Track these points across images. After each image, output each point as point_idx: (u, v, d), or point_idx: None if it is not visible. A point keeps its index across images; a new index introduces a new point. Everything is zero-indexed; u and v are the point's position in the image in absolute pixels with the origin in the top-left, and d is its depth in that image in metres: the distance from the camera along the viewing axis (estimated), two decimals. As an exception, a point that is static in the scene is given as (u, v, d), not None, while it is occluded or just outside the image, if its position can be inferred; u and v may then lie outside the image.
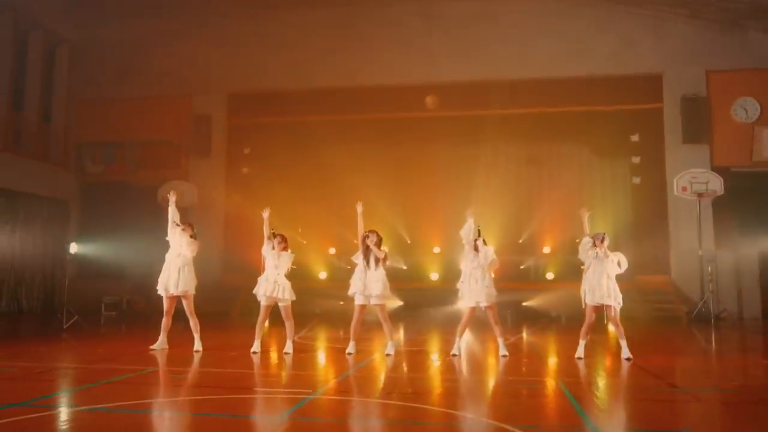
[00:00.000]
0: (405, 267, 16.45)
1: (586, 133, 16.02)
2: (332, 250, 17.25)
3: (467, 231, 8.12)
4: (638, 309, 13.72)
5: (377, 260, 8.18)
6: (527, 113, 16.11)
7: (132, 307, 16.23)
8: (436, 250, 16.72)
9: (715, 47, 15.19)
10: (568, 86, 15.68)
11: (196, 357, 8.08)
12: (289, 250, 8.60)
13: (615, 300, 7.74)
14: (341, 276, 16.44)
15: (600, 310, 7.95)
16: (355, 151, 17.03)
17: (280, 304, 8.43)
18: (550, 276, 15.68)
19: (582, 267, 8.13)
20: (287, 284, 8.44)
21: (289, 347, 8.41)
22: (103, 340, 10.61)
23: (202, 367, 7.33)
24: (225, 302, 15.89)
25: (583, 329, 7.99)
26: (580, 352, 7.92)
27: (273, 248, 8.45)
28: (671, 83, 15.47)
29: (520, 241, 16.55)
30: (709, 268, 14.01)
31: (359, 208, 8.50)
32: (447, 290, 15.60)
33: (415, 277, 16.47)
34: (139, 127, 17.19)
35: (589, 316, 7.91)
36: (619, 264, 7.84)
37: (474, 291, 8.05)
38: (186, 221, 8.89)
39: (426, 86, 16.27)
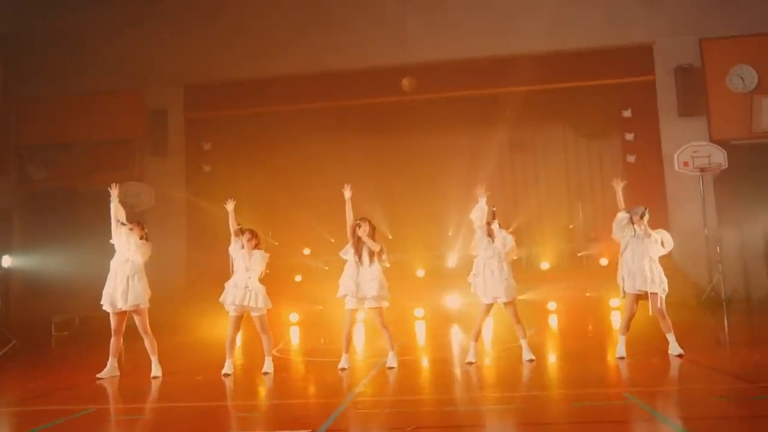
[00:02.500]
0: (388, 265, 15.17)
1: (574, 111, 15.02)
2: (307, 251, 15.90)
3: (479, 213, 6.88)
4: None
5: (372, 254, 6.88)
6: (511, 92, 14.90)
7: (87, 326, 14.61)
8: (421, 248, 15.48)
9: (708, 14, 14.23)
10: (554, 62, 14.54)
11: (154, 385, 6.67)
12: (263, 249, 7.24)
13: (660, 286, 6.59)
14: (318, 278, 15.17)
15: (642, 298, 6.78)
16: (327, 141, 15.77)
17: (253, 314, 7.07)
18: (545, 266, 14.55)
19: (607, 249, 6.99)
20: (261, 290, 7.07)
21: (268, 365, 7.06)
22: (42, 368, 8.92)
23: (161, 401, 5.92)
24: (189, 315, 14.37)
25: (623, 323, 6.83)
26: (620, 350, 6.73)
27: (242, 247, 7.09)
28: (663, 54, 14.46)
29: (510, 230, 15.40)
30: (717, 248, 13.03)
31: (347, 193, 7.15)
32: (434, 287, 14.58)
33: (398, 275, 15.17)
34: (86, 126, 15.57)
35: (630, 307, 6.76)
36: (662, 243, 6.70)
37: (490, 285, 6.83)
38: (134, 220, 7.46)
39: (402, 68, 14.97)
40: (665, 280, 6.77)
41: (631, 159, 14.67)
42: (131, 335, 7.36)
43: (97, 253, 13.57)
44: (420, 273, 14.96)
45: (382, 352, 7.20)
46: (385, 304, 7.11)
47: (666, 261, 14.18)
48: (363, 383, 6.29)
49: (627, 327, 6.82)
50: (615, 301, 12.90)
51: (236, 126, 15.69)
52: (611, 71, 14.52)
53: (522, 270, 14.97)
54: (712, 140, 13.83)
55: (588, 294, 13.49)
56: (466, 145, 15.50)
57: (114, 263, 7.14)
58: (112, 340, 7.17)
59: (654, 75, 14.52)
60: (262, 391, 6.32)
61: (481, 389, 5.77)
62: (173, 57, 15.57)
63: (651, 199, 14.23)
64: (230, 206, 7.26)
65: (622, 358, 6.67)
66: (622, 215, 6.89)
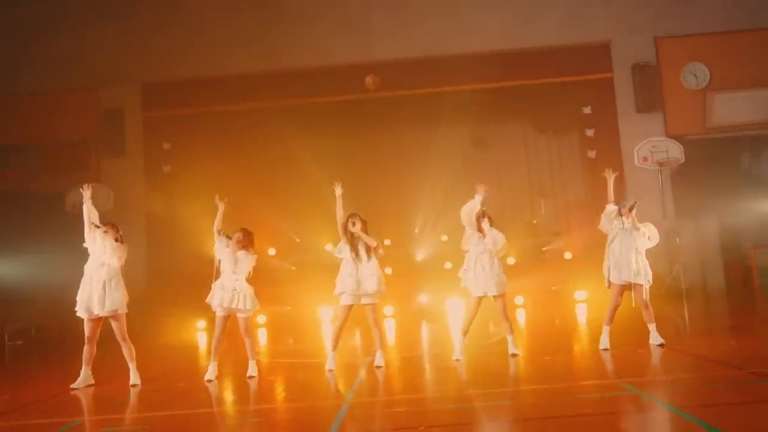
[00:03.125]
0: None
1: (536, 108, 15.24)
2: (272, 251, 15.65)
3: (470, 210, 6.87)
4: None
5: (368, 249, 6.79)
6: (473, 90, 15.04)
7: (43, 334, 14.04)
8: (387, 242, 15.42)
9: (663, 13, 14.65)
10: (516, 59, 14.77)
11: (133, 394, 6.43)
12: (252, 250, 7.05)
13: (645, 278, 6.75)
14: (285, 278, 14.99)
15: (627, 289, 6.92)
16: (290, 140, 15.53)
17: (239, 315, 6.91)
18: (511, 261, 14.71)
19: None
20: (249, 291, 6.91)
21: (252, 369, 6.90)
22: (5, 381, 8.37)
23: (144, 411, 5.69)
24: (152, 320, 13.96)
25: (608, 314, 6.95)
26: (604, 342, 6.85)
27: (227, 246, 6.90)
28: (620, 51, 14.83)
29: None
30: (677, 240, 13.47)
31: (338, 191, 7.02)
32: (402, 284, 14.56)
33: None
34: (38, 126, 14.86)
35: (615, 298, 6.88)
36: (649, 237, 6.87)
37: (481, 279, 6.84)
38: (108, 222, 7.16)
39: (365, 66, 14.89)
40: (650, 272, 6.94)
41: (591, 154, 15.00)
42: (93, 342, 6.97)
43: (52, 258, 13.20)
44: (388, 271, 14.88)
45: (358, 351, 7.14)
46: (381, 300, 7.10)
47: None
48: (356, 384, 6.21)
49: (612, 318, 6.96)
50: (580, 294, 13.21)
51: (196, 125, 15.34)
52: (571, 69, 14.78)
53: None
54: (668, 135, 14.27)
55: (554, 288, 13.76)
56: (430, 143, 15.51)
57: (88, 267, 6.83)
58: (86, 347, 6.88)
59: (612, 72, 14.87)
60: (257, 396, 6.16)
61: (479, 385, 5.76)
62: (129, 55, 15.08)
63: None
64: (221, 205, 7.05)
65: (606, 349, 6.79)
66: (611, 207, 7.03)
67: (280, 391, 6.31)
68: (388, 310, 13.48)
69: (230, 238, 6.86)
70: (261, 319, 13.74)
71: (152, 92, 15.40)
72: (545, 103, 15.05)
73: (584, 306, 12.74)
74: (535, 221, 15.66)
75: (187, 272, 14.76)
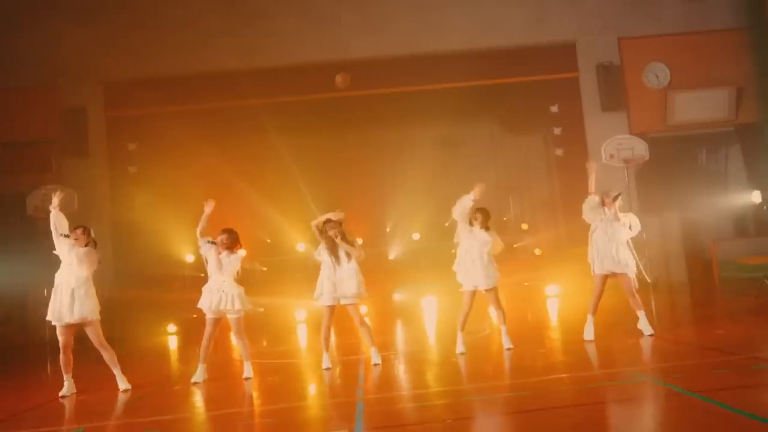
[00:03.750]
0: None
1: (505, 107, 15.47)
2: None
3: (462, 206, 6.94)
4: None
5: (348, 252, 6.78)
6: (443, 89, 15.17)
7: (5, 342, 13.48)
8: (359, 241, 15.38)
9: (625, 14, 15.07)
10: (484, 59, 14.89)
11: (127, 399, 6.25)
12: (238, 250, 6.94)
13: (628, 267, 6.93)
14: (252, 279, 14.84)
15: (609, 279, 7.09)
16: (259, 139, 15.45)
17: (229, 317, 6.79)
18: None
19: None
20: (238, 292, 6.79)
21: (248, 371, 6.80)
22: None
23: (164, 413, 5.51)
24: (120, 325, 13.58)
25: (592, 303, 7.11)
26: (589, 332, 7.02)
27: (211, 248, 6.78)
28: (585, 52, 15.19)
29: (447, 224, 15.68)
30: (644, 235, 13.86)
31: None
32: (375, 282, 14.55)
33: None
34: (-4, 126, 14.32)
35: (598, 287, 7.04)
36: (630, 227, 7.04)
37: (471, 273, 6.90)
38: (78, 226, 6.85)
39: (335, 64, 14.88)
40: (632, 261, 7.12)
41: (559, 152, 15.35)
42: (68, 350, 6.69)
43: (13, 263, 12.70)
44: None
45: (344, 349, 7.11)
46: (362, 300, 7.10)
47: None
48: (361, 381, 6.19)
49: (596, 307, 7.12)
50: (552, 289, 13.50)
51: (163, 125, 14.90)
52: (538, 68, 15.07)
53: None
54: (632, 133, 14.68)
55: (526, 283, 13.99)
56: (400, 142, 15.61)
57: (59, 275, 6.59)
58: (61, 356, 6.61)
59: (578, 72, 15.22)
60: (266, 396, 6.06)
61: (486, 378, 5.83)
62: (91, 53, 14.59)
63: (578, 189, 14.87)
64: (209, 208, 6.91)
65: (590, 340, 6.95)
66: (593, 198, 7.17)
67: (287, 390, 6.22)
68: (362, 309, 13.43)
69: (214, 242, 6.74)
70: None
71: (116, 91, 14.96)
72: (513, 102, 15.31)
73: (556, 300, 13.01)
74: (504, 218, 15.91)
75: (155, 275, 14.49)
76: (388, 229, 15.83)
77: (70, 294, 6.42)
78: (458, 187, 16.10)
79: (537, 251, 14.66)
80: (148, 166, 14.80)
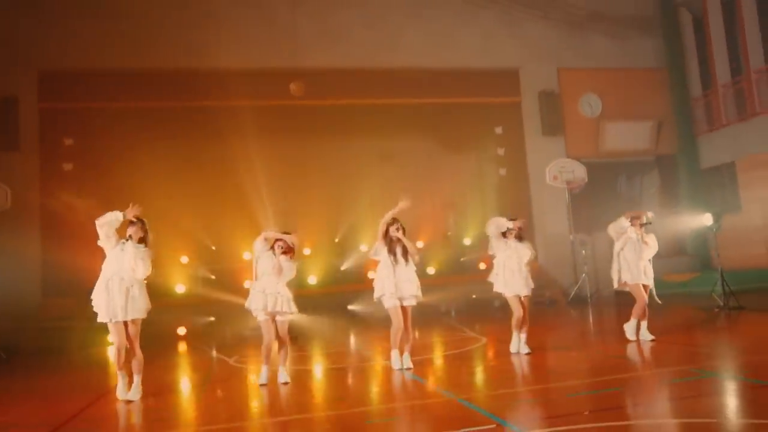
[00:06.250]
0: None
1: (453, 125, 15.96)
2: (184, 259, 14.73)
3: (496, 227, 7.32)
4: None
5: (405, 254, 6.81)
6: (394, 104, 15.49)
7: None
8: (307, 252, 15.22)
9: (564, 46, 16.21)
10: (435, 77, 15.43)
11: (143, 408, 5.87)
12: (292, 257, 6.74)
13: (650, 280, 7.65)
14: (205, 289, 14.23)
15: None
16: (202, 143, 14.91)
17: (280, 318, 6.65)
18: (430, 271, 15.23)
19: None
20: (291, 295, 6.69)
21: (285, 376, 6.59)
22: None
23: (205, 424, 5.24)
24: (52, 335, 12.55)
25: (638, 310, 7.67)
26: (645, 333, 7.64)
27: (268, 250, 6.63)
28: (528, 78, 16.15)
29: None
30: (583, 252, 14.87)
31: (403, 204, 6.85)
32: (327, 294, 14.45)
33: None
34: None
35: (640, 295, 7.70)
36: (651, 247, 7.77)
37: (511, 281, 7.26)
38: (136, 218, 6.23)
39: (291, 72, 14.76)
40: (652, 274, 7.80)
41: (502, 172, 16.09)
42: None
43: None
44: (311, 280, 14.76)
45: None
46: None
47: (533, 266, 15.94)
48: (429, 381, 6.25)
49: (644, 312, 7.67)
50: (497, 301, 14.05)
51: (103, 121, 14.02)
52: (485, 91, 15.84)
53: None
54: (568, 157, 15.74)
55: (474, 296, 14.46)
56: (352, 153, 15.65)
57: (108, 270, 6.14)
58: (117, 355, 6.09)
59: (521, 97, 16.12)
60: (343, 399, 5.98)
61: (550, 380, 6.07)
62: (27, 38, 13.57)
63: (519, 207, 15.82)
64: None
65: (653, 340, 7.53)
66: (623, 220, 7.79)
67: (348, 395, 6.18)
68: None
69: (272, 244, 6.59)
70: (181, 331, 12.92)
71: (52, 81, 13.92)
72: (462, 121, 15.84)
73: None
74: (449, 233, 16.37)
75: (87, 280, 13.45)
76: (336, 239, 15.76)
77: (125, 292, 5.96)
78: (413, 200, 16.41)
79: (482, 266, 15.18)
80: (86, 164, 13.83)
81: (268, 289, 6.46)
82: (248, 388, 6.77)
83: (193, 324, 13.12)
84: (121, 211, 6.15)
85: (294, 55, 14.80)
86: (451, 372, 7.07)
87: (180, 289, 13.98)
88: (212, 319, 13.26)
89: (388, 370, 6.85)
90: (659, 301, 7.82)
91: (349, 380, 7.08)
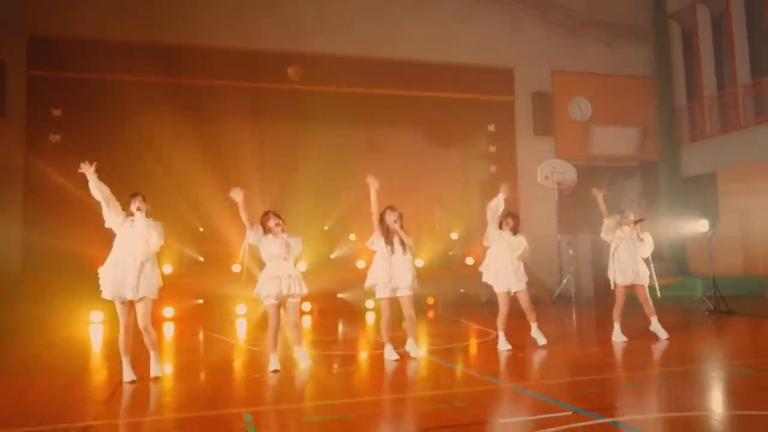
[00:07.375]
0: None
1: (447, 120, 16.04)
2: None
3: (494, 208, 7.28)
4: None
5: (403, 243, 6.75)
6: (388, 94, 15.41)
7: None
8: (300, 238, 15.01)
9: (559, 49, 16.44)
10: (432, 71, 15.46)
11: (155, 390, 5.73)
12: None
13: (644, 279, 7.73)
14: (193, 270, 13.97)
15: (629, 289, 7.81)
16: (193, 121, 14.54)
17: (292, 300, 6.51)
18: (419, 263, 15.23)
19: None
20: (300, 274, 6.56)
21: (304, 356, 6.50)
22: None
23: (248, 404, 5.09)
24: (30, 310, 12.06)
25: (617, 311, 7.78)
26: (619, 335, 7.66)
27: (264, 234, 6.48)
28: (522, 78, 16.33)
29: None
30: (570, 251, 15.12)
31: (373, 185, 6.71)
32: (317, 280, 14.27)
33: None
34: None
35: (621, 297, 7.78)
36: (646, 244, 7.86)
37: (502, 276, 7.29)
38: (135, 193, 6.22)
39: (290, 56, 14.58)
40: (647, 274, 7.86)
41: (492, 169, 16.24)
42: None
43: None
44: (301, 267, 14.57)
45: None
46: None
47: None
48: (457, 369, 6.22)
49: (621, 315, 7.78)
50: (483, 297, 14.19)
51: (94, 93, 13.60)
52: (480, 88, 15.92)
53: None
54: (558, 158, 15.99)
55: (462, 290, 14.56)
56: (346, 141, 15.58)
57: (118, 250, 6.02)
58: (122, 337, 5.97)
59: (514, 96, 16.30)
60: (381, 386, 5.88)
61: (560, 374, 6.13)
62: (15, 1, 13.00)
63: (507, 205, 15.92)
64: (239, 195, 6.41)
65: (624, 341, 7.59)
66: (609, 222, 7.85)
67: (372, 382, 6.11)
68: (306, 306, 13.21)
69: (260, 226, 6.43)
70: (168, 312, 12.61)
71: (42, 48, 13.39)
72: (456, 116, 15.93)
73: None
74: (437, 227, 16.44)
75: (70, 256, 13.03)
76: (325, 228, 15.64)
77: (138, 268, 5.78)
78: (400, 191, 16.40)
79: (469, 261, 15.31)
80: (74, 136, 13.32)
81: (281, 274, 6.32)
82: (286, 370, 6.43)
83: (180, 306, 12.83)
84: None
85: (294, 40, 14.60)
86: (483, 361, 7.04)
87: (166, 269, 13.62)
88: (200, 301, 13.00)
89: (404, 358, 6.74)
90: (658, 295, 7.89)
91: (383, 367, 6.78)
